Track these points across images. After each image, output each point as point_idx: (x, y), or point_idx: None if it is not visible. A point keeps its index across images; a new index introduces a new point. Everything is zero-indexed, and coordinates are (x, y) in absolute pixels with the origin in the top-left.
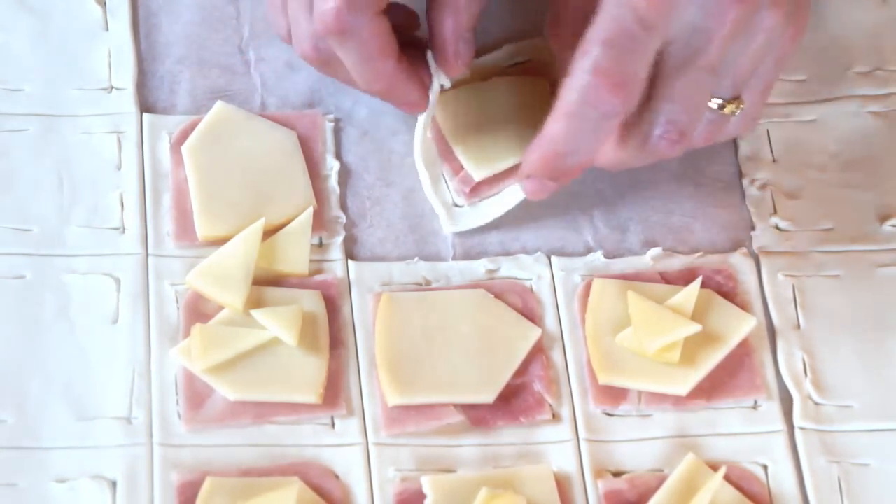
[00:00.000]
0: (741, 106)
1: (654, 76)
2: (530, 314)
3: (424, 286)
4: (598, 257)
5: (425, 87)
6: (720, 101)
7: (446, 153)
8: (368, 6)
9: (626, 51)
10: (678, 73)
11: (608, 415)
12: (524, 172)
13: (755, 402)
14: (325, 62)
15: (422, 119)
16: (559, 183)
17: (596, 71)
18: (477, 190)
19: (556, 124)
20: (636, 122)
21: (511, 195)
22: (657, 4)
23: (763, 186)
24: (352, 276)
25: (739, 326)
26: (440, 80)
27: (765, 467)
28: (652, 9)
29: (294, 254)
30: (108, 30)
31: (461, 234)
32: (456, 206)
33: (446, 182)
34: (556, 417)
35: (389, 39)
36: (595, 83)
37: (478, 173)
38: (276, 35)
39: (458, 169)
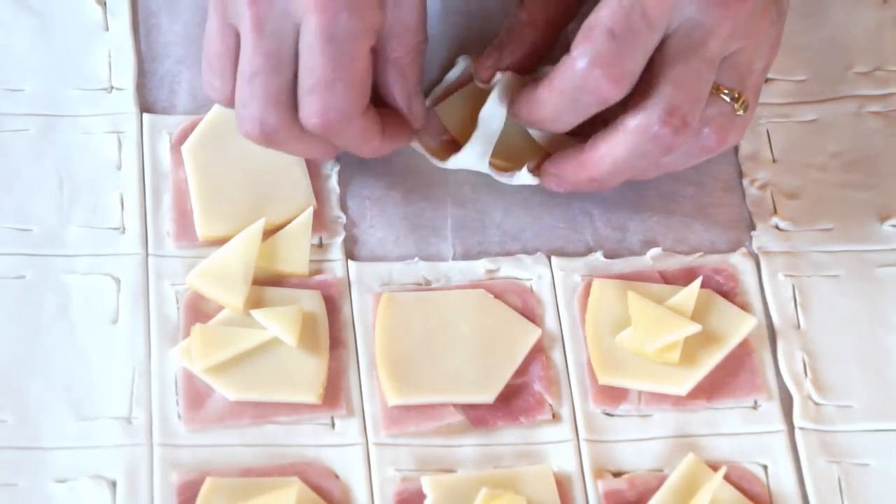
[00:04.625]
0: (746, 103)
1: (654, 66)
2: (530, 314)
3: (424, 286)
4: (598, 257)
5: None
6: (730, 94)
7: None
8: (354, 109)
9: (629, 45)
10: (678, 62)
11: (608, 415)
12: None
13: (755, 402)
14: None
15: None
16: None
17: (596, 61)
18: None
19: (546, 94)
20: (639, 111)
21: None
22: (664, 2)
23: (763, 186)
24: (352, 276)
25: (739, 326)
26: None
27: (765, 467)
28: (658, 7)
29: (294, 254)
30: (108, 30)
31: (461, 235)
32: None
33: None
34: (556, 417)
35: (375, 123)
36: (594, 73)
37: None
38: (210, 97)
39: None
